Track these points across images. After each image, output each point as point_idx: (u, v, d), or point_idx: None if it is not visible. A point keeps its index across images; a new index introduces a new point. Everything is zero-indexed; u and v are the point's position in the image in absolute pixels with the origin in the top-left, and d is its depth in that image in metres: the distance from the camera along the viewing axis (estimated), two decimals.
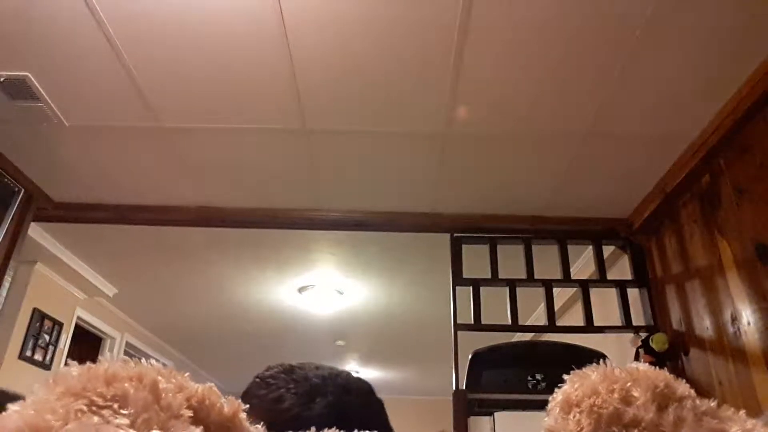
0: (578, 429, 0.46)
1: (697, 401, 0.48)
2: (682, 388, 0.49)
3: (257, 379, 0.69)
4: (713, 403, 0.49)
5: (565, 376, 0.52)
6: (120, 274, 3.61)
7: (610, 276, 2.55)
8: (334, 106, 1.89)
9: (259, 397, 0.65)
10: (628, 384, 0.48)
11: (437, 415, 6.17)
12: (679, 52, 1.62)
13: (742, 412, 0.49)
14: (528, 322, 3.41)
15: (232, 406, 0.37)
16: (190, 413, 0.29)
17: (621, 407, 0.46)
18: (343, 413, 0.63)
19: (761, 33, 1.53)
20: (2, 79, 1.78)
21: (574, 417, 0.47)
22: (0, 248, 2.31)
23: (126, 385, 0.28)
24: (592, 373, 0.50)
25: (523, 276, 2.47)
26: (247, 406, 0.41)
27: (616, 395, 0.46)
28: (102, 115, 1.97)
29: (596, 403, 0.46)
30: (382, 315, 4.17)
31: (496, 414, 2.28)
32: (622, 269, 2.60)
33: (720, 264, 1.90)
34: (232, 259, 3.31)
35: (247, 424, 0.40)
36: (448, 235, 2.54)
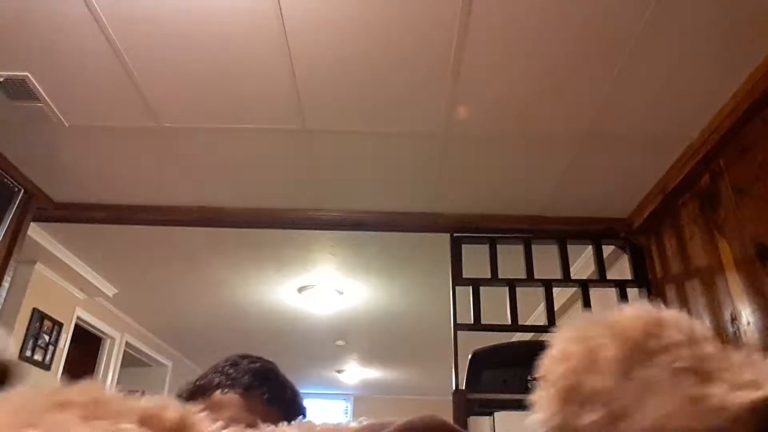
0: (550, 414, 0.36)
1: (690, 349, 0.35)
2: (672, 332, 0.36)
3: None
4: (711, 349, 0.35)
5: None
6: (120, 274, 3.61)
7: (609, 276, 2.55)
8: (334, 106, 1.89)
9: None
10: (600, 341, 0.36)
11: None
12: (679, 52, 1.62)
13: (742, 355, 0.36)
14: (528, 322, 3.41)
15: (179, 411, 0.38)
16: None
17: (581, 377, 0.35)
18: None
19: (760, 33, 1.53)
20: (2, 79, 1.78)
21: (546, 395, 0.37)
22: (0, 248, 2.31)
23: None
24: (572, 330, 0.39)
25: (523, 276, 2.47)
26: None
27: (586, 359, 0.36)
28: (102, 115, 1.97)
29: (563, 372, 0.36)
30: (382, 315, 4.17)
31: (496, 414, 2.28)
32: (621, 269, 2.60)
33: (720, 264, 1.90)
34: (232, 259, 3.31)
35: (202, 424, 0.40)
36: (448, 235, 2.54)
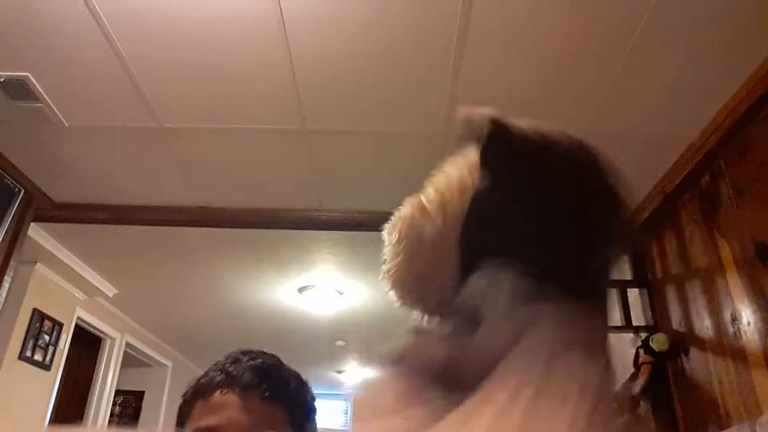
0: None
1: None
2: None
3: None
4: None
5: None
6: (120, 274, 3.61)
7: None
8: (334, 106, 1.89)
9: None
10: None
11: None
12: (679, 53, 1.62)
13: None
14: None
15: None
16: None
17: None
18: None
19: (761, 33, 1.53)
20: (2, 79, 1.78)
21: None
22: (0, 248, 2.31)
23: None
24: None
25: None
26: None
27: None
28: (102, 115, 1.97)
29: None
30: (382, 315, 4.17)
31: None
32: (621, 269, 2.60)
33: (720, 264, 1.90)
34: (232, 260, 3.31)
35: None
36: None
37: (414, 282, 0.63)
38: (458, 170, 0.62)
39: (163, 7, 1.52)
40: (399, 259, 0.61)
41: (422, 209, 0.61)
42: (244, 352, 0.81)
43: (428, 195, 0.62)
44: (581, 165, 0.65)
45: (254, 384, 0.75)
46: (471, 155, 0.61)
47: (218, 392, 0.75)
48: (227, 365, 0.78)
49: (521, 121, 0.59)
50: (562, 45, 1.61)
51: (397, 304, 0.66)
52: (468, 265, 0.57)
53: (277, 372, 0.80)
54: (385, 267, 0.63)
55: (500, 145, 0.59)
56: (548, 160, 0.62)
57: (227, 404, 0.74)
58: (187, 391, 0.80)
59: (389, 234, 0.64)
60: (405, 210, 0.63)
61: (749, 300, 1.74)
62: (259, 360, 0.79)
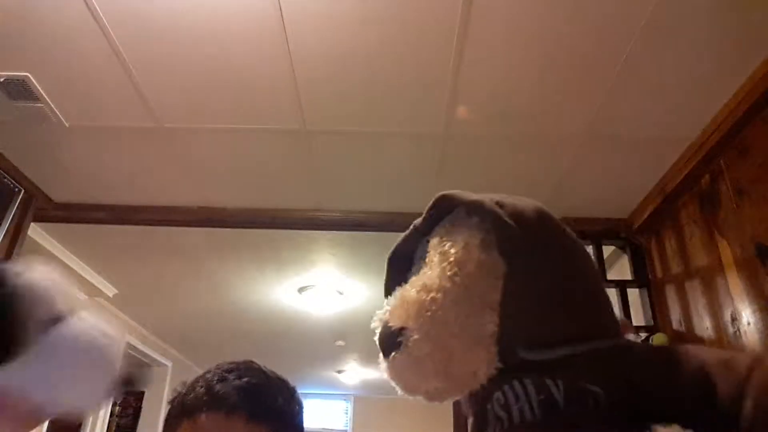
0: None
1: None
2: None
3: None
4: None
5: None
6: (120, 274, 3.61)
7: (609, 276, 2.55)
8: (334, 106, 1.89)
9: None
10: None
11: (437, 415, 6.16)
12: (679, 52, 1.62)
13: None
14: None
15: None
16: None
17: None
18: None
19: (761, 33, 1.53)
20: (2, 80, 1.78)
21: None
22: (0, 248, 2.31)
23: None
24: None
25: None
26: None
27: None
28: (102, 115, 1.97)
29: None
30: None
31: None
32: (621, 269, 2.60)
33: (720, 264, 1.90)
34: (232, 260, 3.31)
35: None
36: None
37: (438, 364, 0.62)
38: (466, 252, 0.63)
39: (163, 7, 1.52)
40: (419, 341, 0.61)
41: (439, 291, 0.62)
42: (230, 369, 0.79)
43: (439, 277, 0.63)
44: (568, 234, 0.71)
45: (240, 405, 0.74)
46: (471, 234, 0.63)
47: (204, 414, 0.74)
48: (214, 383, 0.77)
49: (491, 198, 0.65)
50: (562, 45, 1.61)
51: (405, 391, 0.68)
52: (507, 350, 0.61)
53: (264, 389, 0.79)
54: (400, 353, 0.63)
55: (511, 228, 0.63)
56: (554, 236, 0.69)
57: (213, 427, 0.74)
58: (174, 400, 0.80)
59: (391, 317, 0.64)
60: (411, 294, 0.63)
61: (749, 300, 1.74)
62: (245, 378, 0.78)
